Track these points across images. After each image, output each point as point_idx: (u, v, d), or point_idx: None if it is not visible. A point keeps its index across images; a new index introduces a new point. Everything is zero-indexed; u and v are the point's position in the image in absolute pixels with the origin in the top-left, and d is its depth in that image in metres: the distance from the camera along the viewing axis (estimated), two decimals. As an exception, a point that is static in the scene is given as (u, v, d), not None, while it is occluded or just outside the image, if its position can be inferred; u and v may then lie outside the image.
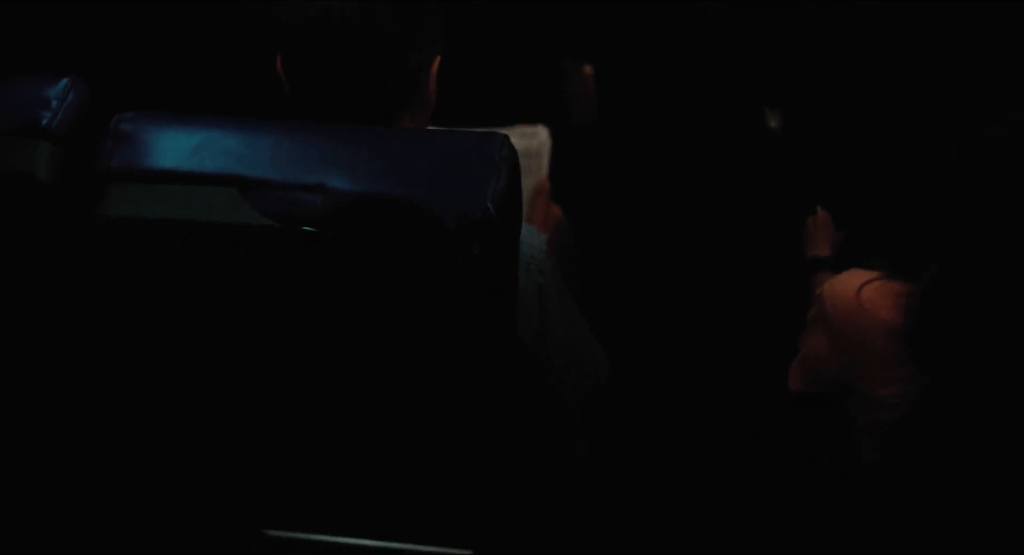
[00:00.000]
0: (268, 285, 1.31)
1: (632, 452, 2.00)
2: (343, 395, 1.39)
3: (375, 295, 1.27)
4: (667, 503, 1.94)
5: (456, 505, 1.64)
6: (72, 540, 1.53)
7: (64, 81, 1.49)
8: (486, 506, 1.66)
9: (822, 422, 1.67)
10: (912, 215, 1.69)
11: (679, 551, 1.88)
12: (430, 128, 1.58)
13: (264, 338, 1.35)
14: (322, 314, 1.31)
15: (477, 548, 1.63)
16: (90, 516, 1.51)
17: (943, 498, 1.52)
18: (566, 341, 1.57)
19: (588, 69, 2.37)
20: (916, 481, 1.54)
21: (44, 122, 1.44)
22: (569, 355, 1.59)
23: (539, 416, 1.60)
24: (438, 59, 1.54)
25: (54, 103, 1.46)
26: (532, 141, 1.94)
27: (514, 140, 1.31)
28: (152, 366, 1.41)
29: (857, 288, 1.59)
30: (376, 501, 1.60)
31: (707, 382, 2.14)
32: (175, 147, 1.36)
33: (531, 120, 2.02)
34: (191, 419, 1.46)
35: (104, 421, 1.47)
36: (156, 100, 1.58)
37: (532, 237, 1.54)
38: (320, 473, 1.55)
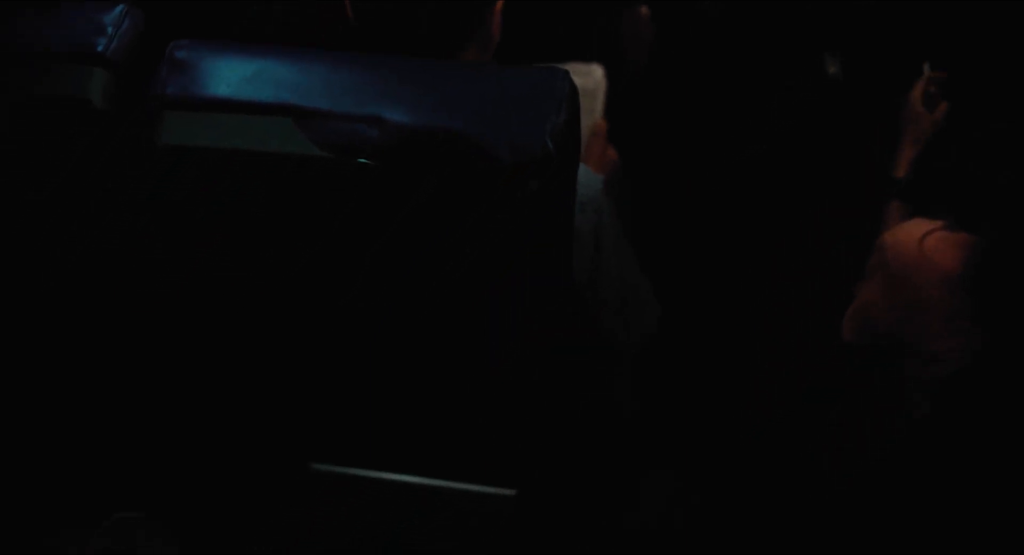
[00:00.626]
0: (321, 217, 1.30)
1: (676, 399, 1.99)
2: (395, 329, 1.39)
3: (430, 229, 1.26)
4: (708, 452, 1.92)
5: (501, 445, 1.64)
6: (125, 471, 1.55)
7: (119, 8, 1.47)
8: (531, 447, 1.65)
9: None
10: (977, 166, 1.65)
11: (716, 499, 1.86)
12: (491, 62, 1.56)
13: (317, 269, 1.34)
14: (377, 247, 1.30)
15: (521, 488, 1.63)
16: (146, 448, 1.52)
17: (994, 458, 1.49)
18: (619, 284, 1.55)
19: (644, 10, 2.33)
20: (967, 439, 1.52)
21: (99, 48, 1.42)
22: (621, 298, 1.57)
23: (588, 358, 1.59)
24: None
25: (109, 29, 1.45)
26: (587, 80, 1.90)
27: (570, 77, 1.29)
28: (204, 296, 1.41)
29: (920, 237, 1.55)
30: (422, 439, 1.60)
31: (754, 332, 2.11)
32: (230, 75, 1.34)
33: (585, 59, 1.98)
34: (244, 351, 1.46)
35: (157, 351, 1.48)
36: (212, 28, 1.56)
37: (588, 177, 1.51)
38: (369, 409, 1.55)
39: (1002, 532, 1.42)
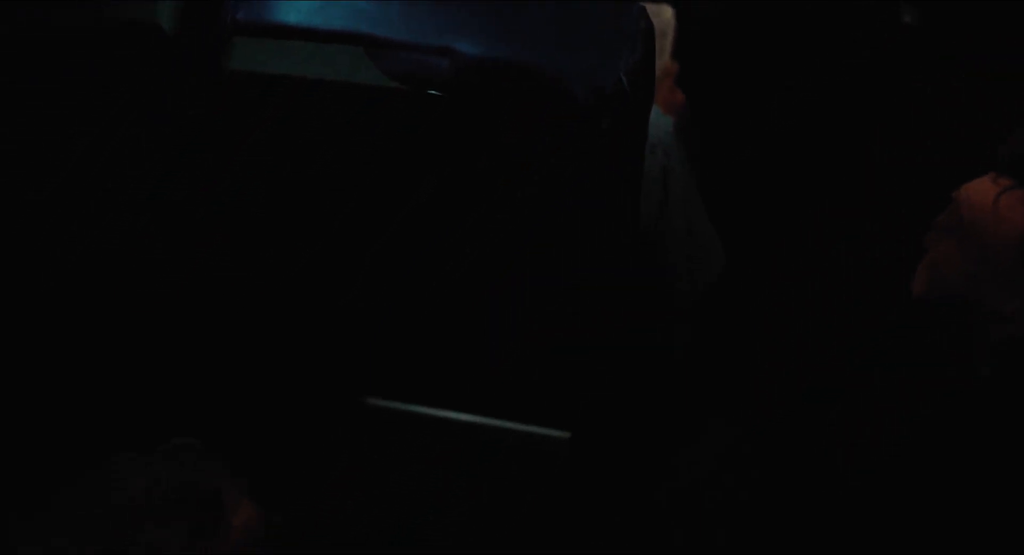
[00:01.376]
0: (390, 147, 1.29)
1: (734, 349, 1.96)
2: (459, 264, 1.37)
3: (499, 162, 1.24)
4: (763, 405, 1.90)
5: (557, 388, 1.63)
6: (181, 400, 1.56)
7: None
8: (587, 390, 1.65)
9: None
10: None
11: (768, 452, 1.84)
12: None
13: (385, 198, 1.33)
14: (446, 178, 1.28)
15: (575, 431, 1.62)
16: (202, 377, 1.53)
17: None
18: (685, 230, 1.53)
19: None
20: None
21: (169, -27, 1.41)
22: (686, 242, 1.54)
23: (650, 301, 1.57)
24: None
25: (177, -46, 1.43)
26: (657, 20, 1.85)
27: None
28: (270, 219, 1.40)
29: (996, 194, 1.51)
30: (480, 378, 1.60)
31: (815, 287, 2.07)
32: (301, 3, 1.33)
33: (655, -1, 1.93)
34: (302, 283, 1.46)
35: (214, 282, 1.48)
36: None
37: (659, 118, 1.48)
38: (427, 345, 1.55)
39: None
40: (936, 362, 1.65)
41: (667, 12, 1.92)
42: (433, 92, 1.25)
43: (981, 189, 1.59)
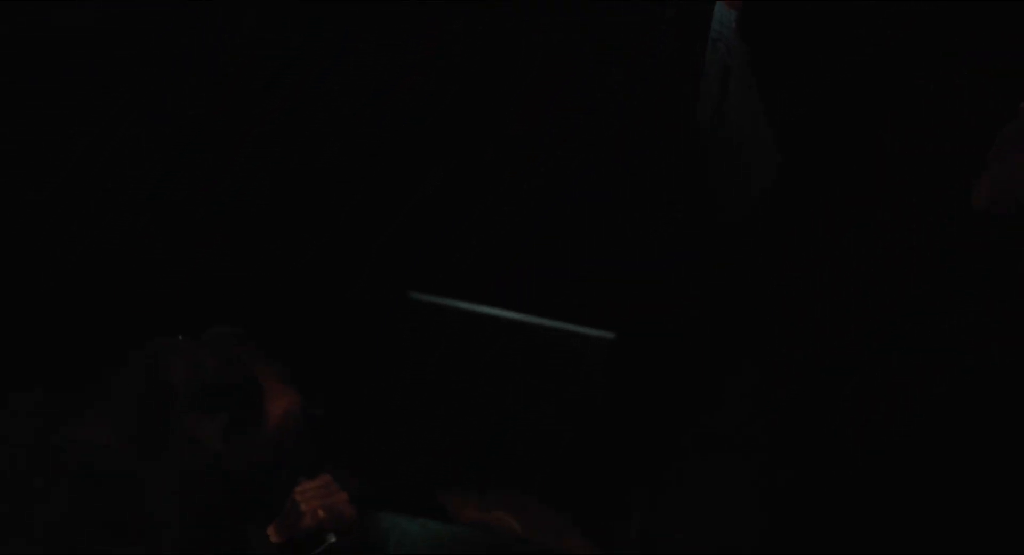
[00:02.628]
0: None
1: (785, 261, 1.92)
2: (514, 153, 1.34)
3: (562, 50, 1.19)
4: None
5: (602, 288, 1.61)
6: (225, 288, 1.55)
7: None
8: (631, 291, 1.63)
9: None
10: None
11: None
12: None
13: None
14: (511, 62, 1.24)
15: (619, 331, 1.61)
16: (247, 266, 1.52)
17: None
18: (741, 128, 1.48)
19: None
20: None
21: None
22: (742, 143, 1.50)
23: (700, 201, 1.54)
24: None
25: None
26: None
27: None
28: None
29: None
30: (524, 275, 1.58)
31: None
32: None
33: None
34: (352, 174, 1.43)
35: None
36: None
37: (722, 12, 1.42)
38: (472, 241, 1.52)
39: None
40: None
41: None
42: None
43: None
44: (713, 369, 1.67)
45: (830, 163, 1.65)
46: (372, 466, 1.41)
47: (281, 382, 1.20)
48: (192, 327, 1.24)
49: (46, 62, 1.42)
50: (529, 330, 1.57)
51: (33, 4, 1.41)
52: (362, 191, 1.52)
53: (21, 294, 1.48)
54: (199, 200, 1.52)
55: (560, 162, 1.51)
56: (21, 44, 1.41)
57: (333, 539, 1.16)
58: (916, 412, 1.53)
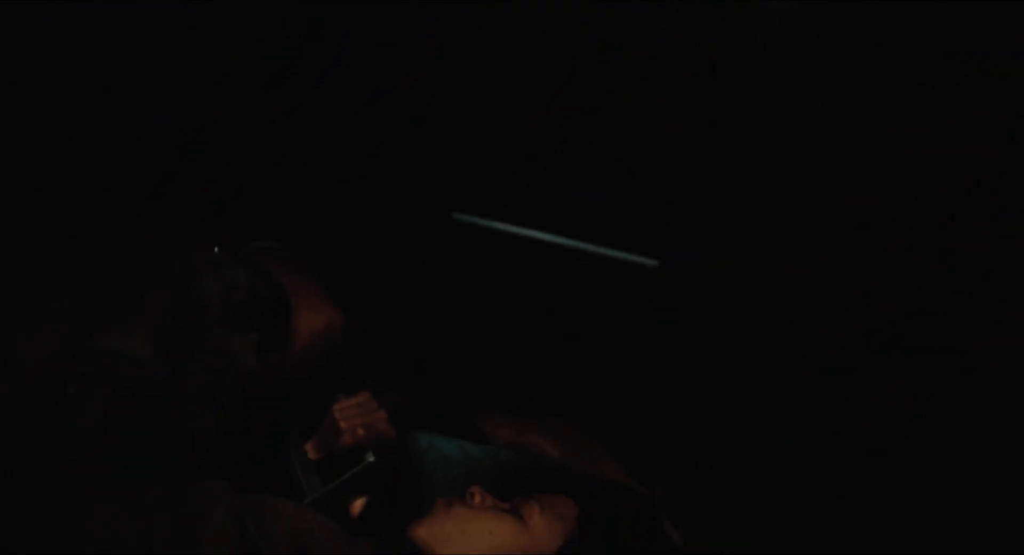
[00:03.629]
0: None
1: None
2: (567, 66, 1.30)
3: None
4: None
5: (648, 215, 1.58)
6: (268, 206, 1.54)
7: None
8: (677, 220, 1.60)
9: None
10: None
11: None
12: None
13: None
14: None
15: (664, 260, 1.58)
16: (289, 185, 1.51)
17: None
18: (800, 47, 1.43)
19: None
20: None
21: None
22: (801, 59, 1.44)
23: (753, 122, 1.50)
24: None
25: None
26: None
27: None
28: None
29: None
30: (569, 199, 1.56)
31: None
32: None
33: None
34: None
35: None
36: None
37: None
38: (517, 161, 1.50)
39: None
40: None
41: None
42: None
43: None
44: (754, 299, 1.65)
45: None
46: (410, 386, 1.40)
47: (321, 298, 1.18)
48: (237, 239, 1.22)
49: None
50: (573, 255, 1.55)
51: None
52: (410, 110, 1.49)
53: (63, 202, 1.48)
54: (252, 119, 1.50)
55: (608, 81, 1.47)
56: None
57: (372, 458, 1.16)
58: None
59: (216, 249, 1.11)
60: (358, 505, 1.18)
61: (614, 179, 1.57)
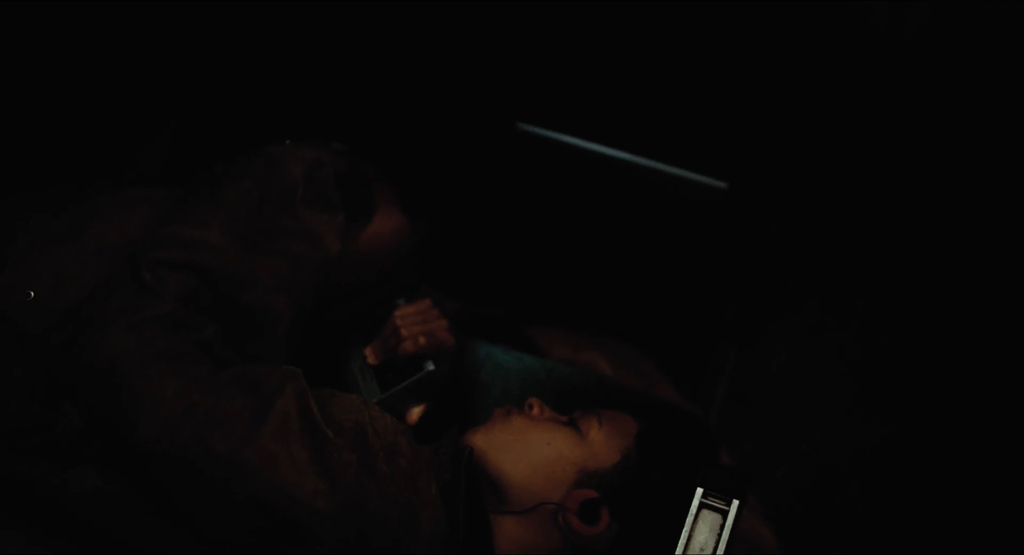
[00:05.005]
0: None
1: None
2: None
3: None
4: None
5: (718, 137, 1.55)
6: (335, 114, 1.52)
7: None
8: (746, 143, 1.56)
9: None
10: None
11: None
12: None
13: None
14: None
15: (732, 182, 1.55)
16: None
17: None
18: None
19: None
20: None
21: None
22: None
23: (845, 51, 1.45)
24: None
25: None
26: None
27: None
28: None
29: None
30: (641, 116, 1.52)
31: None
32: None
33: None
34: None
35: None
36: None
37: None
38: (587, 74, 1.46)
39: None
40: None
41: None
42: None
43: None
44: (820, 230, 1.62)
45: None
46: (469, 296, 1.39)
47: (390, 202, 1.17)
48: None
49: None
50: (640, 172, 1.52)
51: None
52: (479, 14, 1.46)
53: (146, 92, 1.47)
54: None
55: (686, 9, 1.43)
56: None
57: (431, 367, 1.16)
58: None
59: (287, 142, 1.10)
60: (415, 413, 1.18)
61: (687, 97, 1.53)
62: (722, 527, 0.99)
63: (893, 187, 1.60)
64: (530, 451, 1.04)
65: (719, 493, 0.99)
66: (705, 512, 0.99)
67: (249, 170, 1.05)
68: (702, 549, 0.98)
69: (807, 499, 1.48)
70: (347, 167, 1.10)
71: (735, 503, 0.99)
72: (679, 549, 0.97)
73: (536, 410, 1.10)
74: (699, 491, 0.99)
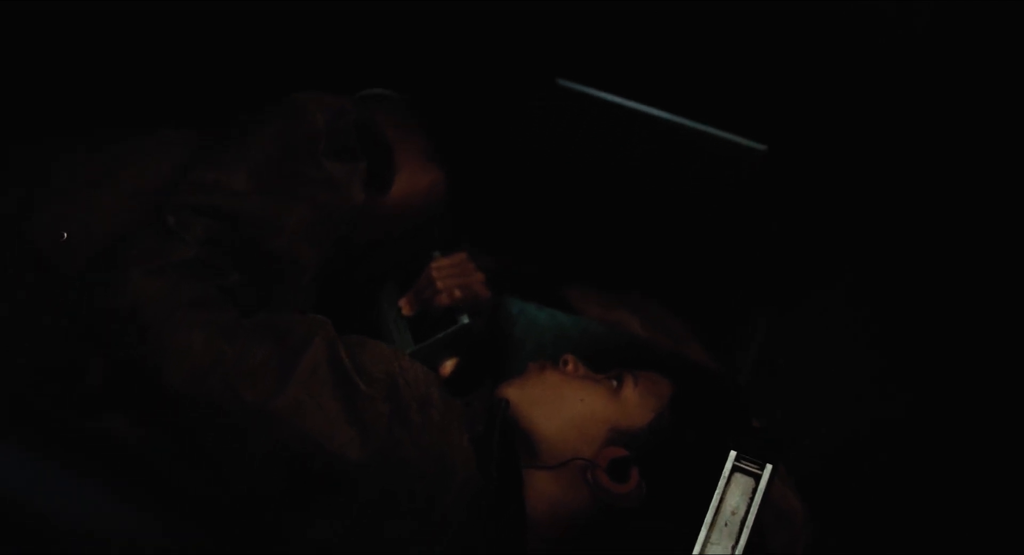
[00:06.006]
0: None
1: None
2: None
3: None
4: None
5: (757, 99, 1.52)
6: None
7: None
8: (786, 105, 1.54)
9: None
10: None
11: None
12: None
13: None
14: None
15: (771, 145, 1.53)
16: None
17: None
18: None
19: None
20: None
21: None
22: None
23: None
24: None
25: None
26: None
27: None
28: None
29: None
30: (680, 75, 1.50)
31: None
32: None
33: None
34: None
35: None
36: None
37: None
38: (626, 31, 1.44)
39: None
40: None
41: None
42: None
43: None
44: (857, 198, 1.60)
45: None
46: (503, 251, 1.38)
47: (426, 156, 1.16)
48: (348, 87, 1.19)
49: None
50: (677, 131, 1.50)
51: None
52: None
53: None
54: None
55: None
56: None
57: (466, 320, 1.15)
58: None
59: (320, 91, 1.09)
60: (448, 366, 1.18)
61: (728, 56, 1.51)
62: (754, 491, 0.98)
63: (940, 160, 1.58)
64: (563, 406, 1.04)
65: (753, 457, 0.98)
66: (738, 476, 0.98)
67: (274, 117, 1.04)
68: (733, 513, 0.98)
69: (834, 468, 1.47)
70: (370, 117, 1.08)
71: (768, 467, 0.98)
72: (710, 512, 0.96)
73: (571, 366, 1.09)
74: (732, 454, 0.98)
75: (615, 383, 1.07)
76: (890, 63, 1.49)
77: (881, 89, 1.52)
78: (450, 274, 1.18)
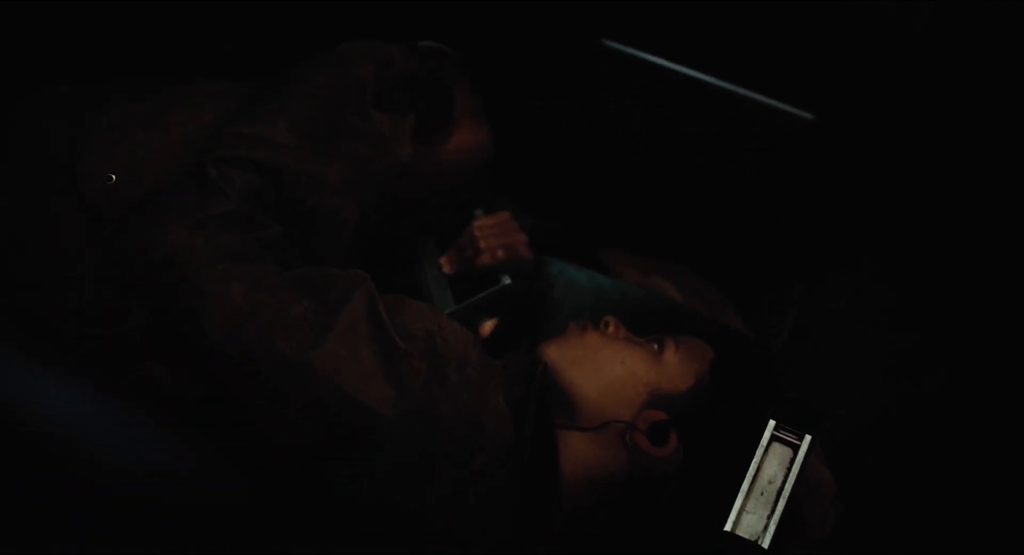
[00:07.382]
0: None
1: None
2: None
3: None
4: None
5: (805, 69, 1.50)
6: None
7: None
8: (830, 66, 1.51)
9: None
10: None
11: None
12: None
13: None
14: None
15: (818, 115, 1.51)
16: None
17: None
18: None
19: None
20: None
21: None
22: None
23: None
24: None
25: None
26: None
27: None
28: None
29: None
30: (729, 39, 1.48)
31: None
32: None
33: None
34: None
35: None
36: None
37: None
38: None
39: None
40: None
41: None
42: None
43: None
44: (901, 173, 1.58)
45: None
46: (544, 213, 1.37)
47: (477, 113, 1.15)
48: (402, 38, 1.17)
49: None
50: (724, 97, 1.48)
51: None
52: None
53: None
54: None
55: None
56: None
57: (508, 280, 1.14)
58: None
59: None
60: (487, 326, 1.17)
61: (779, 24, 1.49)
62: (792, 461, 0.98)
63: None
64: (603, 368, 1.03)
65: (792, 426, 0.98)
66: (776, 445, 0.98)
67: (319, 68, 1.03)
68: (770, 482, 0.97)
69: (867, 442, 1.47)
70: (421, 66, 1.06)
71: (807, 438, 0.98)
72: (747, 481, 0.96)
73: (612, 328, 1.08)
74: (771, 423, 0.97)
75: (656, 347, 1.06)
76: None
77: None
78: (493, 234, 1.17)
